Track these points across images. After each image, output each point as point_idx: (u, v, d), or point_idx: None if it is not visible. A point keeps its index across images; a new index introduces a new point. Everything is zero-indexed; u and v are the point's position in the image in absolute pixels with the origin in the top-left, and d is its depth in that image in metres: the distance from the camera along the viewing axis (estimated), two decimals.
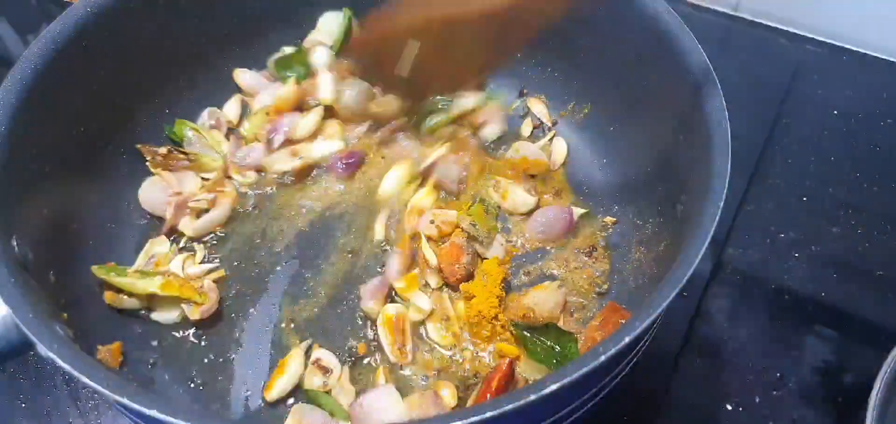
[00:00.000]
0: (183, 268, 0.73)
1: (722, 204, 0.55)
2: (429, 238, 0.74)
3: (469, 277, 0.72)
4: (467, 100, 0.84)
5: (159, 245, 0.76)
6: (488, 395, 0.62)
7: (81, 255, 0.71)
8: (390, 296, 0.73)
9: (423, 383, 0.67)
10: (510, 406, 0.45)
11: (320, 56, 0.88)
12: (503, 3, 0.64)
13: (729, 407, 0.71)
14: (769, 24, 1.07)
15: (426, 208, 0.77)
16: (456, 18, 0.67)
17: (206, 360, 0.70)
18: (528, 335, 0.68)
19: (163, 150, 0.81)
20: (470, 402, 0.65)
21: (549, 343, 0.68)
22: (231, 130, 0.87)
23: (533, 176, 0.83)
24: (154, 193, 0.79)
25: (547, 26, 0.67)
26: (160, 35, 0.81)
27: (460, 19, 0.66)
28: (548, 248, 0.77)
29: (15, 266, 0.56)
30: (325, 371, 0.67)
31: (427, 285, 0.73)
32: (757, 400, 0.71)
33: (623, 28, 0.76)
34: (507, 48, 0.72)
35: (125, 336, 0.69)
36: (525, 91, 0.90)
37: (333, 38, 0.88)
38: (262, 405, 0.67)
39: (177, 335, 0.71)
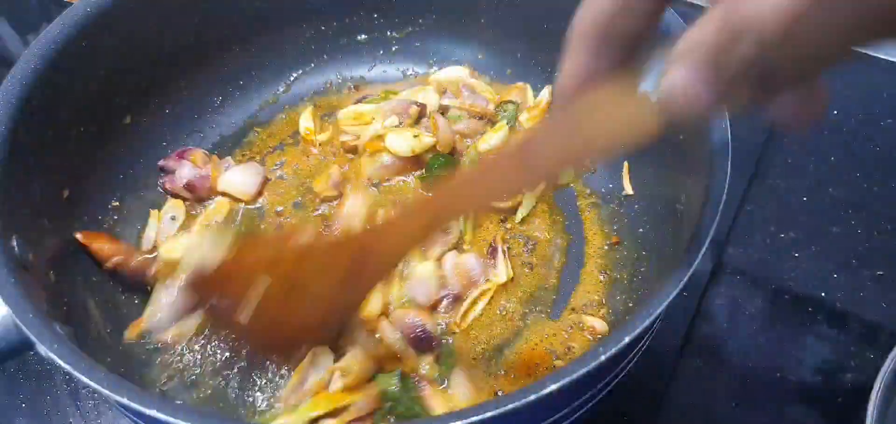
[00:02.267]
0: None
1: (722, 204, 0.55)
2: None
3: None
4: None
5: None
6: None
7: (81, 255, 0.71)
8: None
9: None
10: (510, 406, 0.45)
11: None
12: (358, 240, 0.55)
13: (729, 407, 0.71)
14: None
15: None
16: (312, 251, 0.57)
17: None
18: None
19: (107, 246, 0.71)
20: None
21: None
22: None
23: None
24: None
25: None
26: (160, 35, 0.81)
27: (316, 251, 0.57)
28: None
29: (15, 266, 0.56)
30: None
31: None
32: (757, 400, 0.71)
33: None
34: (362, 288, 0.60)
35: None
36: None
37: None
38: None
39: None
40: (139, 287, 0.71)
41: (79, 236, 0.66)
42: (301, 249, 0.57)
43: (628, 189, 0.79)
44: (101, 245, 0.65)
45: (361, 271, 0.56)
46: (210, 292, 0.59)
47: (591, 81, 0.43)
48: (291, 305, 0.58)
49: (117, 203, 0.78)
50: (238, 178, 0.81)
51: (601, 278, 0.74)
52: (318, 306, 0.59)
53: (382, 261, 0.57)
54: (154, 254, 0.68)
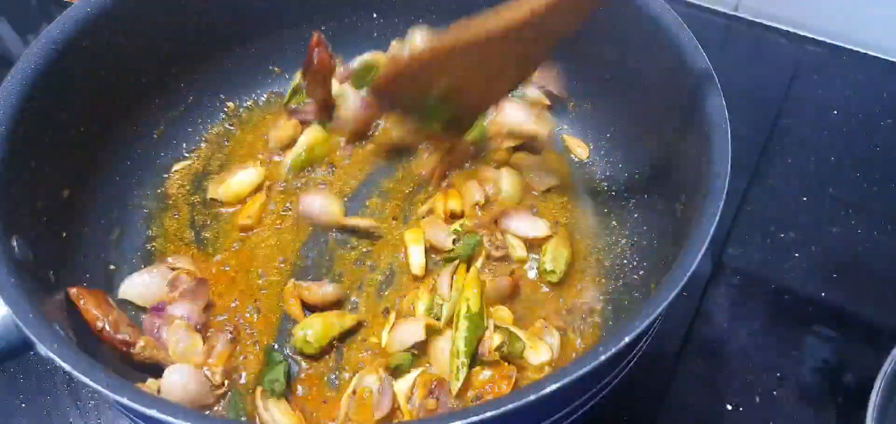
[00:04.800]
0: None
1: (722, 204, 0.55)
2: None
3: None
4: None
5: None
6: None
7: (81, 255, 0.71)
8: None
9: None
10: (510, 406, 0.45)
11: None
12: (523, 17, 0.63)
13: (729, 407, 0.71)
14: (769, 24, 1.07)
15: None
16: (479, 41, 0.66)
17: None
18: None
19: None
20: None
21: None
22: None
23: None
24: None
25: (566, 36, 0.67)
26: (160, 35, 0.81)
27: (484, 41, 0.66)
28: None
29: (15, 266, 0.56)
30: None
31: None
32: (757, 400, 0.71)
33: (623, 28, 0.76)
34: (531, 62, 0.72)
35: None
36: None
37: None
38: None
39: None
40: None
41: (72, 291, 0.64)
42: (469, 41, 0.67)
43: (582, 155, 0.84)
44: (89, 308, 0.64)
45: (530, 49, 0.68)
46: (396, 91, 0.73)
47: None
48: (472, 87, 0.71)
49: (117, 203, 0.78)
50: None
51: (600, 280, 0.74)
52: (496, 81, 0.72)
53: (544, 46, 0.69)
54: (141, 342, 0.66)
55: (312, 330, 0.69)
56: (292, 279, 0.74)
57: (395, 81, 0.72)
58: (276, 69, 0.92)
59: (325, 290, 0.72)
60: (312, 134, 0.85)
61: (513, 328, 0.67)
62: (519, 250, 0.75)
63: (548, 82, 0.87)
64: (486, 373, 0.65)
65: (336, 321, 0.70)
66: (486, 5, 0.88)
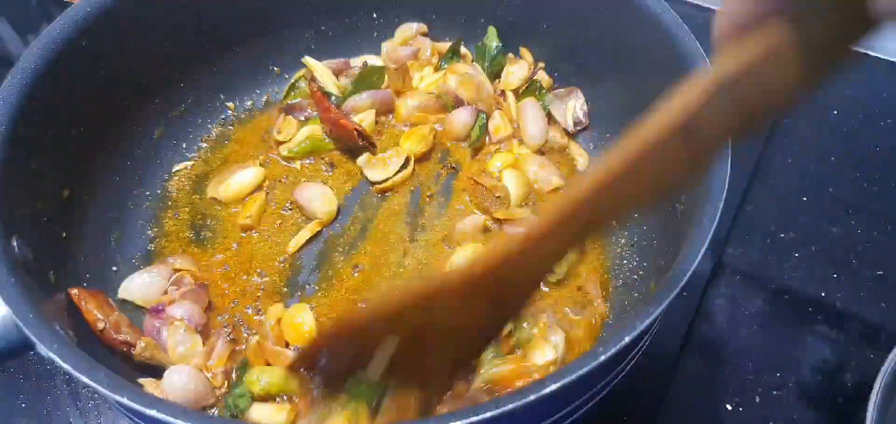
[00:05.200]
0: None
1: (722, 204, 0.55)
2: None
3: None
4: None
5: None
6: None
7: (81, 255, 0.71)
8: None
9: None
10: (510, 406, 0.45)
11: None
12: (494, 259, 0.45)
13: (729, 407, 0.71)
14: None
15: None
16: (440, 295, 0.48)
17: None
18: None
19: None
20: None
21: None
22: None
23: None
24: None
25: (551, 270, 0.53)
26: (160, 35, 0.81)
27: (446, 294, 0.48)
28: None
29: (15, 266, 0.56)
30: None
31: None
32: (757, 400, 0.71)
33: (623, 28, 0.76)
34: (511, 309, 0.52)
35: None
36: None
37: None
38: None
39: None
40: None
41: (73, 292, 0.64)
42: (428, 297, 0.48)
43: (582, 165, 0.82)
44: (90, 309, 0.63)
45: (502, 300, 0.49)
46: (320, 356, 0.51)
47: (753, 24, 0.37)
48: (430, 350, 0.51)
49: (117, 203, 0.78)
50: None
51: (600, 280, 0.74)
52: (458, 343, 0.51)
53: (523, 289, 0.49)
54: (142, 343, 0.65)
55: (268, 379, 0.65)
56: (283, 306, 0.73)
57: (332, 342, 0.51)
58: (275, 69, 0.92)
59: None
60: (310, 129, 0.85)
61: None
62: None
63: (565, 116, 0.85)
64: (506, 367, 0.65)
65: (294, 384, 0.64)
66: (487, 3, 0.89)
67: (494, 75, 0.89)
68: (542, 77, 0.88)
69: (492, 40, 0.89)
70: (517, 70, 0.88)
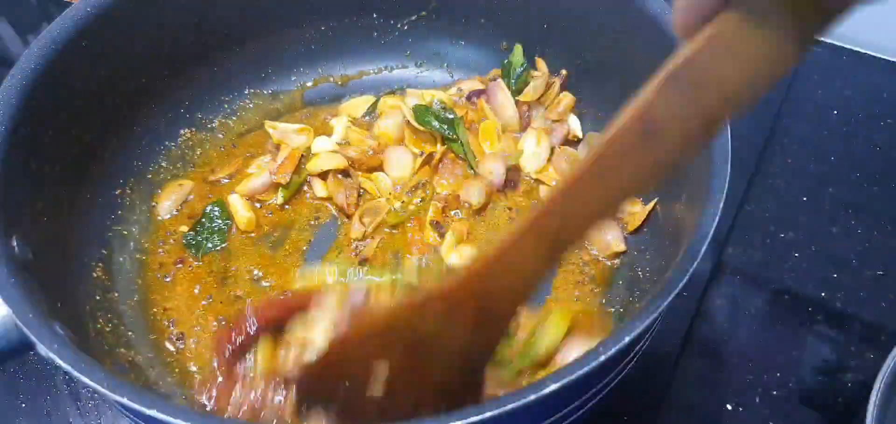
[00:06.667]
0: None
1: (722, 204, 0.55)
2: None
3: None
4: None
5: None
6: None
7: (82, 255, 0.71)
8: None
9: None
10: (510, 406, 0.45)
11: None
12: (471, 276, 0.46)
13: (729, 407, 0.71)
14: None
15: None
16: (419, 311, 0.48)
17: None
18: None
19: None
20: None
21: None
22: None
23: None
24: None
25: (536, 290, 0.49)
26: (160, 35, 0.81)
27: (424, 312, 0.48)
28: None
29: (15, 266, 0.56)
30: None
31: None
32: (757, 400, 0.71)
33: (622, 28, 0.76)
34: (495, 330, 0.51)
35: None
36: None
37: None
38: None
39: None
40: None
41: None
42: (411, 315, 0.48)
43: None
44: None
45: (488, 312, 0.48)
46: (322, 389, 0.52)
47: (709, 16, 0.36)
48: (421, 372, 0.50)
49: (117, 203, 0.78)
50: None
51: (600, 280, 0.74)
52: (450, 363, 0.51)
53: (509, 298, 0.49)
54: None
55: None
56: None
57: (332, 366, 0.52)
58: (275, 70, 0.92)
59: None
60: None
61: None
62: None
63: (559, 130, 0.85)
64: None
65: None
66: (486, 4, 0.89)
67: (518, 92, 0.87)
68: (567, 98, 0.86)
69: (518, 58, 0.88)
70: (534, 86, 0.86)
